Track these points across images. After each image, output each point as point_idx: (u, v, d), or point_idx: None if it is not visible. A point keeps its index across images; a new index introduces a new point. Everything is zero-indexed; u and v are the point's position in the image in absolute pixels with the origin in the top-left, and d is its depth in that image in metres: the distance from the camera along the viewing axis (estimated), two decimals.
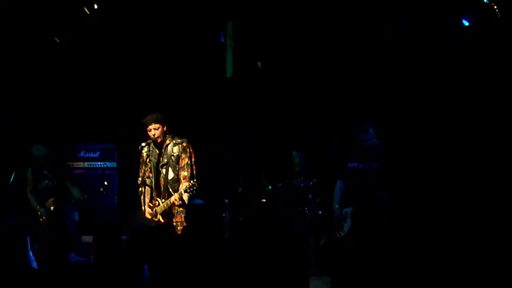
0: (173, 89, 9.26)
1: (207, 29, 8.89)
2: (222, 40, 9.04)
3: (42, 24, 8.46)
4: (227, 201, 8.59)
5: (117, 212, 8.67)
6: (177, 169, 7.00)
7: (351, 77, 8.66)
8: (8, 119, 8.90)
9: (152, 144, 7.10)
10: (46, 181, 7.73)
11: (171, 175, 7.01)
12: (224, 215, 8.48)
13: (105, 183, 7.84)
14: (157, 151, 7.11)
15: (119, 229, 4.90)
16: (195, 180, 6.77)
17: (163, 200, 6.99)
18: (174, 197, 6.84)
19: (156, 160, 7.10)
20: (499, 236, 6.95)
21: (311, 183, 8.28)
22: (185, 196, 6.81)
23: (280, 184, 8.57)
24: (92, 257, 6.21)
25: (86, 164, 8.98)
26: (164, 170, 7.05)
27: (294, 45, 8.78)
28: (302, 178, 8.38)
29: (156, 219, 6.99)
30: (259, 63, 9.06)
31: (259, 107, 9.13)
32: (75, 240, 7.42)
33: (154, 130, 6.98)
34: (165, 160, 7.04)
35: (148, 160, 7.13)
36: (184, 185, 6.80)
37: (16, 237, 4.85)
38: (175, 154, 7.02)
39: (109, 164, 8.96)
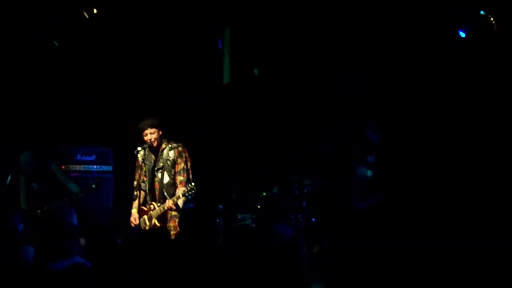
0: (170, 94, 9.29)
1: (205, 33, 8.92)
2: (220, 47, 9.08)
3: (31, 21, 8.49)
4: (221, 206, 8.61)
5: (112, 216, 8.68)
6: (173, 173, 7.03)
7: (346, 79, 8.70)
8: None
9: (147, 148, 7.12)
10: (37, 185, 7.78)
11: (166, 179, 7.03)
12: (218, 220, 8.50)
13: (97, 179, 7.92)
14: (153, 156, 7.13)
15: (111, 233, 4.92)
16: (193, 184, 6.80)
17: (158, 204, 7.01)
18: (170, 202, 6.86)
19: (151, 164, 7.12)
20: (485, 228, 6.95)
21: (305, 190, 8.30)
22: (181, 201, 6.84)
23: (274, 191, 8.59)
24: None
25: (82, 167, 8.97)
26: (159, 174, 7.07)
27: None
28: (296, 185, 8.40)
29: (148, 224, 7.02)
30: (255, 70, 9.09)
31: (255, 112, 9.15)
32: (72, 242, 7.40)
33: (150, 134, 7.01)
34: (161, 164, 7.07)
35: (143, 164, 7.16)
36: (181, 189, 6.83)
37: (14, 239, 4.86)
38: (170, 159, 7.04)
39: (105, 168, 8.96)
